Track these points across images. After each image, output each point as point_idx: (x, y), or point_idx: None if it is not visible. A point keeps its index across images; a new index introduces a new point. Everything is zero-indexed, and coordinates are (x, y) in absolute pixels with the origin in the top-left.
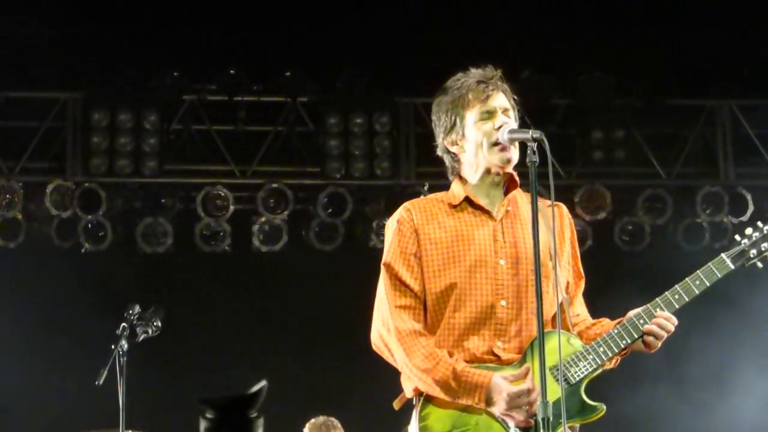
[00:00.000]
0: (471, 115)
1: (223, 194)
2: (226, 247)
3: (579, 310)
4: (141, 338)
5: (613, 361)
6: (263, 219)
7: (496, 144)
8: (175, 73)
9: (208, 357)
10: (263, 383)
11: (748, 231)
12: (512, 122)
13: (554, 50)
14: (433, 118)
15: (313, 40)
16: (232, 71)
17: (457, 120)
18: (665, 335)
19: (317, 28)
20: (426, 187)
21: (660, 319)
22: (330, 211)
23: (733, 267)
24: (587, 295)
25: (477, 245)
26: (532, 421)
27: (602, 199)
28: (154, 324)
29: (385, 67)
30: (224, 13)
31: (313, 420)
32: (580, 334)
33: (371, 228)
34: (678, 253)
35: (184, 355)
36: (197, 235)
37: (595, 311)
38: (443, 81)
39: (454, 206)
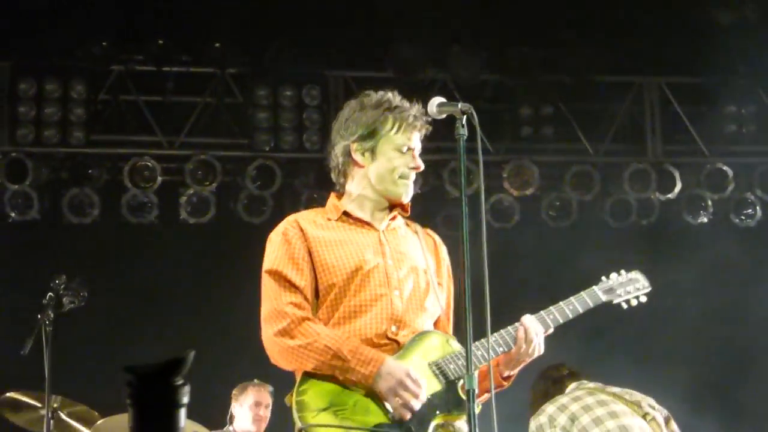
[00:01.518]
0: (392, 141)
1: (150, 165)
2: (154, 219)
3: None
4: (67, 308)
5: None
6: (191, 191)
7: (401, 177)
8: (103, 43)
9: (134, 328)
10: (191, 352)
11: (613, 275)
12: (421, 166)
13: (484, 25)
14: (345, 116)
15: (243, 11)
16: (160, 41)
17: (377, 135)
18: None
19: None
20: None
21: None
22: (258, 183)
23: (602, 300)
24: (512, 274)
25: (364, 245)
26: (408, 414)
27: (530, 175)
28: (81, 294)
29: (315, 40)
30: None
31: (244, 383)
32: None
33: (300, 201)
34: (605, 229)
35: (109, 325)
36: (124, 206)
37: (525, 286)
38: (372, 55)
39: (335, 220)
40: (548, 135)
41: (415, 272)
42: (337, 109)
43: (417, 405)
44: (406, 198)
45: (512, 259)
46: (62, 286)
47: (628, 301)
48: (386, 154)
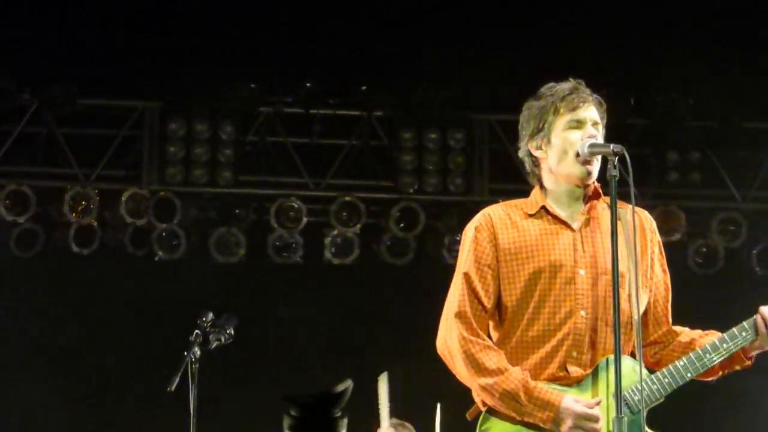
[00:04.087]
0: (560, 122)
1: (296, 206)
2: (298, 259)
3: (664, 325)
4: (213, 345)
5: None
6: (335, 231)
7: (578, 155)
8: (252, 85)
9: (279, 367)
10: (349, 383)
11: None
12: (599, 136)
13: (632, 70)
14: (521, 120)
15: (390, 54)
16: (308, 84)
17: (545, 125)
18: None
19: (394, 43)
20: None
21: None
22: (402, 225)
23: None
24: None
25: (556, 253)
26: None
27: (677, 221)
28: (227, 332)
29: (460, 83)
30: (302, 26)
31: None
32: (660, 352)
33: (443, 244)
34: (752, 277)
35: (255, 364)
36: (270, 246)
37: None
38: (519, 98)
39: (531, 215)
40: (695, 181)
41: (610, 280)
42: (482, 151)
43: None
44: (590, 178)
45: None
46: (209, 324)
47: None
48: (558, 137)
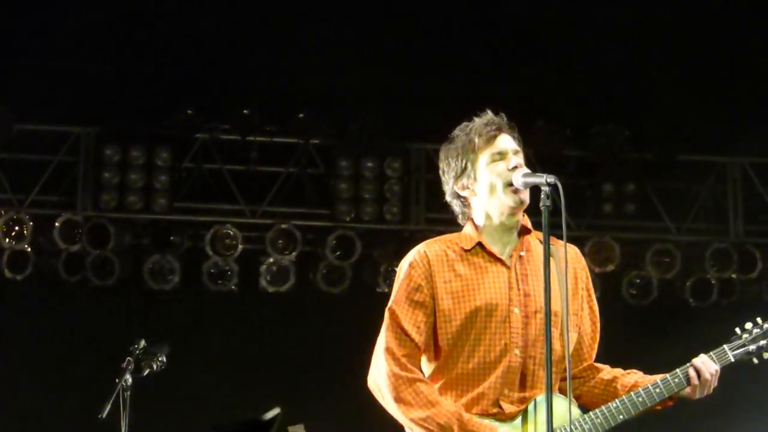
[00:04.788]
0: (482, 158)
1: (232, 233)
2: (233, 287)
3: (586, 361)
4: (146, 373)
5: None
6: (271, 259)
7: (509, 185)
8: (188, 111)
9: (212, 394)
10: (277, 410)
11: (748, 326)
12: (522, 164)
13: (568, 102)
14: (442, 165)
15: (327, 83)
16: (245, 111)
17: (468, 164)
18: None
19: (332, 72)
20: None
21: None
22: (338, 253)
23: (733, 360)
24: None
25: (493, 292)
26: None
27: (611, 252)
28: (159, 359)
29: (397, 113)
30: (240, 53)
31: None
32: (581, 388)
33: (379, 272)
34: (685, 308)
35: (187, 392)
36: (204, 274)
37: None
38: (454, 127)
39: (467, 250)
40: (630, 212)
41: (542, 319)
42: (419, 180)
43: None
44: (522, 207)
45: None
46: (141, 351)
47: (759, 355)
48: (483, 172)
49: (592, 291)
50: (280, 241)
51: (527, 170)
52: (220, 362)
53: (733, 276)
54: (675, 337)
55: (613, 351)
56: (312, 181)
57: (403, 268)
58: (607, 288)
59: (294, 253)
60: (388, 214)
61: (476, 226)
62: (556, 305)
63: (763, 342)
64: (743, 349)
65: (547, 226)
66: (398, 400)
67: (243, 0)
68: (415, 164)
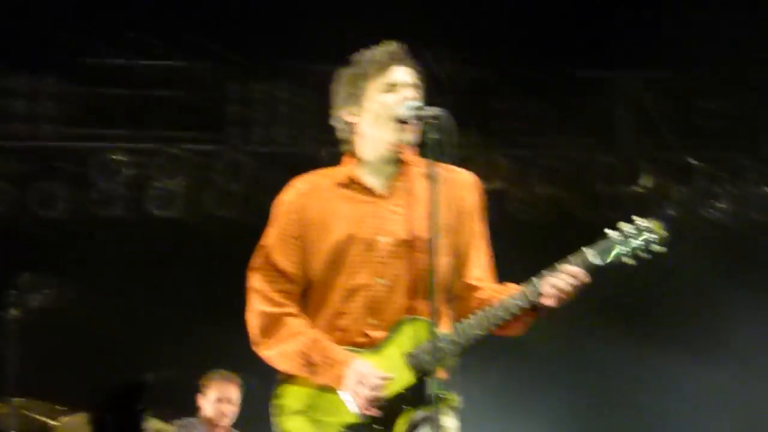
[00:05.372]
0: (373, 86)
1: (118, 158)
2: (120, 212)
3: (476, 274)
4: (33, 306)
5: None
6: (159, 184)
7: (395, 118)
8: (73, 37)
9: (103, 324)
10: (151, 378)
11: (623, 226)
12: (417, 100)
13: (454, 20)
14: (333, 88)
15: (218, 2)
16: (131, 35)
17: (358, 90)
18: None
19: None
20: None
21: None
22: (228, 177)
23: (593, 262)
24: None
25: (359, 222)
26: (373, 410)
27: (498, 168)
28: (46, 292)
29: (288, 35)
30: None
31: (210, 374)
32: (459, 306)
33: (270, 195)
34: (573, 223)
35: (77, 321)
36: (91, 200)
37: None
38: (348, 50)
39: (339, 183)
40: (518, 129)
41: (415, 247)
42: (309, 102)
43: (374, 402)
44: (407, 139)
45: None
46: (27, 284)
47: (635, 256)
48: (372, 100)
49: (479, 214)
50: (167, 166)
51: (417, 103)
52: (108, 290)
53: (621, 189)
54: (564, 252)
55: (503, 270)
56: (200, 105)
57: (276, 206)
58: (493, 205)
59: (182, 178)
60: (280, 136)
61: (354, 158)
62: (428, 232)
63: (635, 242)
64: (612, 249)
65: (434, 158)
66: (263, 336)
67: None
68: (306, 86)
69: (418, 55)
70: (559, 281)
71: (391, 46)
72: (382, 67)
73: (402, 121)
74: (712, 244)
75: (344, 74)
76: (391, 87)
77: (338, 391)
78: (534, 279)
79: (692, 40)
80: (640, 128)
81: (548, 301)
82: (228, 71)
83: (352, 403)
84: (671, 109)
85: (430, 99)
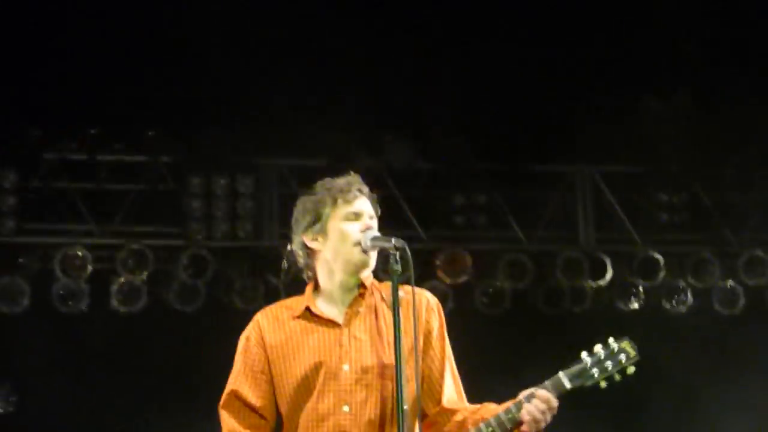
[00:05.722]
0: (337, 214)
1: (81, 254)
2: (84, 308)
3: (451, 400)
4: None
5: None
6: (122, 279)
7: (358, 244)
8: (35, 132)
9: (70, 421)
10: None
11: (596, 349)
12: (375, 229)
13: (417, 113)
14: (296, 213)
15: (176, 99)
16: (92, 130)
17: (323, 217)
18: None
19: (182, 86)
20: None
21: (542, 404)
22: (191, 272)
23: (569, 387)
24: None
25: (321, 351)
26: None
27: (463, 263)
28: (10, 400)
29: (248, 129)
30: (86, 71)
31: None
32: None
33: (234, 289)
34: (538, 317)
35: (39, 416)
36: (54, 296)
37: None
38: (305, 143)
39: (297, 316)
40: (481, 223)
41: (377, 374)
42: (271, 197)
43: None
44: (367, 269)
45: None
46: None
47: (610, 377)
48: (335, 227)
49: (443, 335)
50: (130, 261)
51: (377, 234)
52: (72, 384)
53: (585, 284)
54: (530, 346)
55: (468, 360)
56: (163, 199)
57: (240, 343)
58: (460, 299)
59: (146, 273)
60: (242, 231)
61: (315, 286)
62: (391, 358)
63: (609, 364)
64: (584, 374)
65: (396, 290)
66: None
67: (86, 16)
68: (267, 180)
69: (381, 150)
70: (535, 410)
71: (353, 178)
72: (346, 196)
73: (363, 250)
74: (676, 338)
75: (308, 200)
76: (356, 216)
77: None
78: (513, 405)
79: (652, 131)
80: (602, 222)
81: (525, 428)
82: (190, 166)
83: None
84: (633, 203)
85: (393, 194)
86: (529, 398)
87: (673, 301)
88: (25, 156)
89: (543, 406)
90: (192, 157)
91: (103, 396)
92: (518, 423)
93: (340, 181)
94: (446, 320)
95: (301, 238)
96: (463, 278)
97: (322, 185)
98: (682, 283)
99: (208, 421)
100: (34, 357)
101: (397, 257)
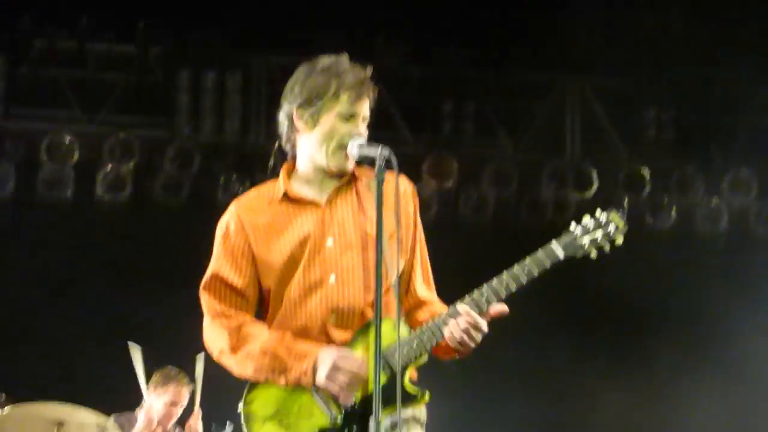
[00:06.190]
0: (334, 107)
1: (68, 141)
2: (69, 195)
3: (421, 290)
4: None
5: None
6: (108, 168)
7: (343, 147)
8: (25, 18)
9: (47, 308)
10: None
11: (584, 219)
12: (365, 136)
13: (408, 19)
14: (294, 79)
15: None
16: (84, 18)
17: (319, 103)
18: (470, 343)
19: None
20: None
21: (465, 324)
22: (177, 165)
23: (562, 257)
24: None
25: (304, 229)
26: (351, 399)
27: (449, 168)
28: None
29: (239, 24)
30: None
31: (166, 374)
32: (417, 317)
33: (218, 185)
34: (520, 227)
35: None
36: (40, 182)
37: (439, 279)
38: (299, 40)
39: (279, 201)
40: (469, 130)
41: (361, 247)
42: (259, 95)
43: (354, 386)
44: (347, 171)
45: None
46: None
47: (600, 247)
48: (328, 121)
49: (418, 223)
50: (117, 150)
51: (364, 141)
52: (53, 271)
53: (569, 195)
54: (510, 255)
55: (449, 266)
56: (151, 91)
57: (218, 231)
58: (443, 205)
59: (132, 163)
60: (229, 127)
61: (292, 169)
62: (374, 232)
63: (598, 234)
64: (574, 244)
65: (380, 197)
66: (223, 348)
67: None
68: (257, 77)
69: (372, 53)
70: (457, 329)
71: (365, 75)
72: (350, 94)
73: (346, 155)
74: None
75: (311, 76)
76: (350, 116)
77: (312, 391)
78: (439, 319)
79: (644, 47)
80: (590, 134)
81: (448, 345)
82: (180, 59)
83: (324, 403)
84: (622, 117)
85: (383, 97)
86: (454, 313)
87: (656, 217)
88: (15, 41)
89: (465, 325)
90: (181, 51)
91: (83, 283)
92: (438, 339)
93: (352, 74)
94: (430, 225)
95: (291, 109)
96: (448, 184)
97: (334, 67)
98: (666, 199)
99: (191, 312)
100: (16, 242)
101: (382, 165)
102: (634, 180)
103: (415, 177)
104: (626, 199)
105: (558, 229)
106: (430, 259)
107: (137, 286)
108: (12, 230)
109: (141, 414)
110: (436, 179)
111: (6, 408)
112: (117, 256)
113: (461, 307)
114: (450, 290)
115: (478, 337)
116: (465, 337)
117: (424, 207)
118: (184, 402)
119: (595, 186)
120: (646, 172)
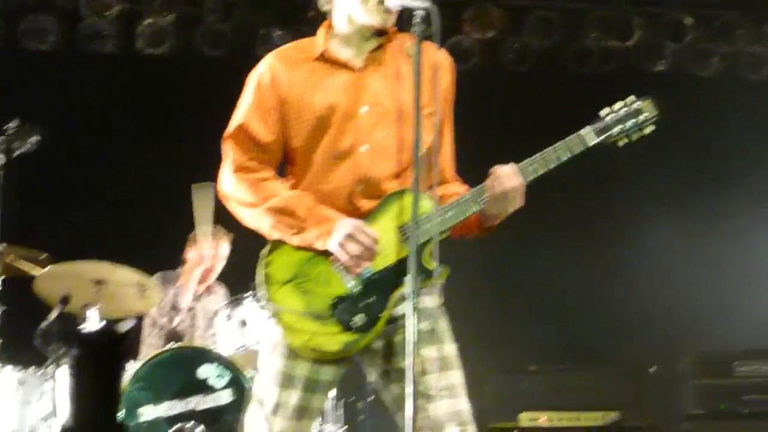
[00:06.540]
0: None
1: None
2: (110, 48)
3: (445, 167)
4: (17, 153)
5: (476, 227)
6: (150, 20)
7: (381, 4)
8: None
9: (88, 164)
10: (132, 323)
11: (617, 106)
12: None
13: None
14: None
15: None
16: None
17: None
18: (508, 206)
19: None
20: None
21: (508, 182)
22: (218, 16)
23: (595, 141)
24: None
25: (337, 93)
26: (358, 269)
27: (491, 18)
28: (30, 139)
29: None
30: None
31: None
32: (438, 194)
33: (258, 36)
34: (564, 76)
35: (64, 165)
36: (81, 34)
37: (478, 131)
38: None
39: (315, 59)
40: None
41: (394, 117)
42: None
43: (363, 260)
44: (385, 24)
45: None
46: (14, 131)
47: (628, 136)
48: None
49: (452, 99)
50: (157, 1)
51: None
52: (96, 126)
53: (611, 43)
54: (554, 104)
55: (491, 121)
56: None
57: (250, 80)
58: (486, 55)
59: (172, 15)
60: None
61: (330, 29)
62: (410, 105)
63: (629, 123)
64: (606, 130)
65: (418, 53)
66: (242, 199)
67: None
68: None
69: None
70: (494, 185)
71: None
72: None
73: (386, 9)
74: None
75: None
76: None
77: (331, 260)
78: (478, 187)
79: None
80: None
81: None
82: None
83: (343, 269)
84: None
85: None
86: (494, 178)
87: (699, 66)
88: None
89: (507, 185)
90: None
91: (121, 136)
92: (483, 196)
93: None
94: (471, 76)
95: None
96: (490, 34)
97: None
98: (710, 46)
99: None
100: (57, 96)
101: (422, 17)
102: (678, 27)
103: (455, 27)
104: (669, 47)
105: (601, 78)
106: (469, 111)
107: (175, 137)
108: (53, 84)
109: (191, 253)
110: (478, 29)
111: (47, 267)
112: (159, 108)
113: (502, 169)
114: (495, 144)
115: (516, 200)
116: (509, 195)
117: (465, 57)
118: (225, 254)
119: (638, 35)
120: (690, 18)
